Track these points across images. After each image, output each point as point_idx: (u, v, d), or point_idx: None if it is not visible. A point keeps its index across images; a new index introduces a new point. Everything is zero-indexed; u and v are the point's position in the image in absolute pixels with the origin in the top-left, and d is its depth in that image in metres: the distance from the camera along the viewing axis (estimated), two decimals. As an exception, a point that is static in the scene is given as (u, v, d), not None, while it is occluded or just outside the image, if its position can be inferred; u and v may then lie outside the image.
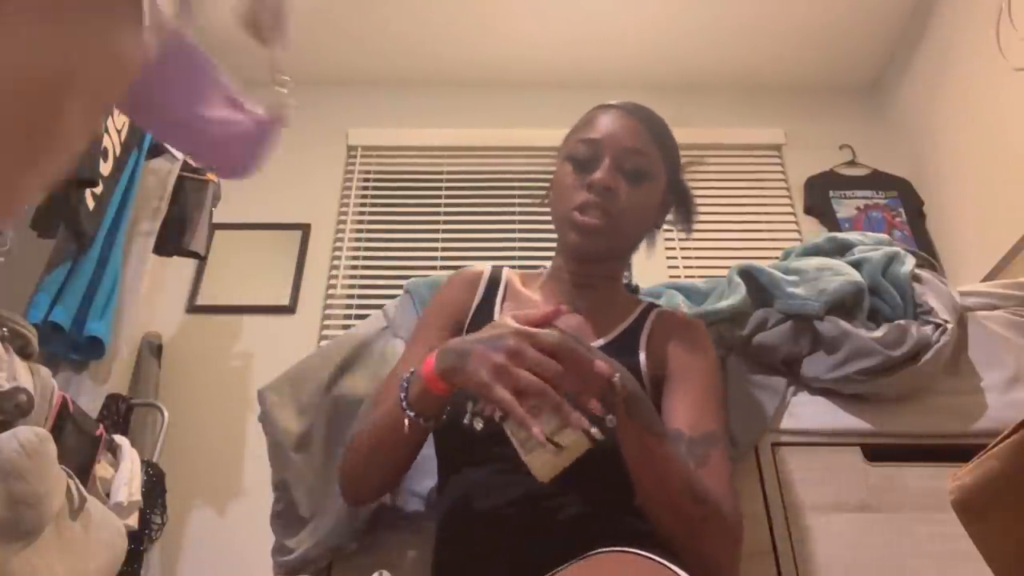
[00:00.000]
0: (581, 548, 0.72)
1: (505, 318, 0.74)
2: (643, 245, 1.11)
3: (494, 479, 0.81)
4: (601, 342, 0.96)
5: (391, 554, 1.05)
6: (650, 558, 0.68)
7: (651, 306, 1.05)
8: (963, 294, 1.31)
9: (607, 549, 0.70)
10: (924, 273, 1.32)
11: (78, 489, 1.23)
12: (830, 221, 2.86)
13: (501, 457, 0.79)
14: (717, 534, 0.77)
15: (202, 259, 2.42)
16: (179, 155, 2.19)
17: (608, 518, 0.79)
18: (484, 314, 1.01)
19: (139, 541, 1.71)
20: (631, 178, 0.97)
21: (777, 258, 1.50)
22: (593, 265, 1.02)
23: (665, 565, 0.67)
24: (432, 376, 0.74)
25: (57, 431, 1.32)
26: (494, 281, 1.07)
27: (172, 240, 2.19)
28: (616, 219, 0.96)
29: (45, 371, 1.39)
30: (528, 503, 0.78)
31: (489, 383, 0.66)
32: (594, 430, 0.64)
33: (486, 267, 1.10)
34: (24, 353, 1.36)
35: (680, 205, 1.11)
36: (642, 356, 0.94)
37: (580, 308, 1.00)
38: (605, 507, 0.80)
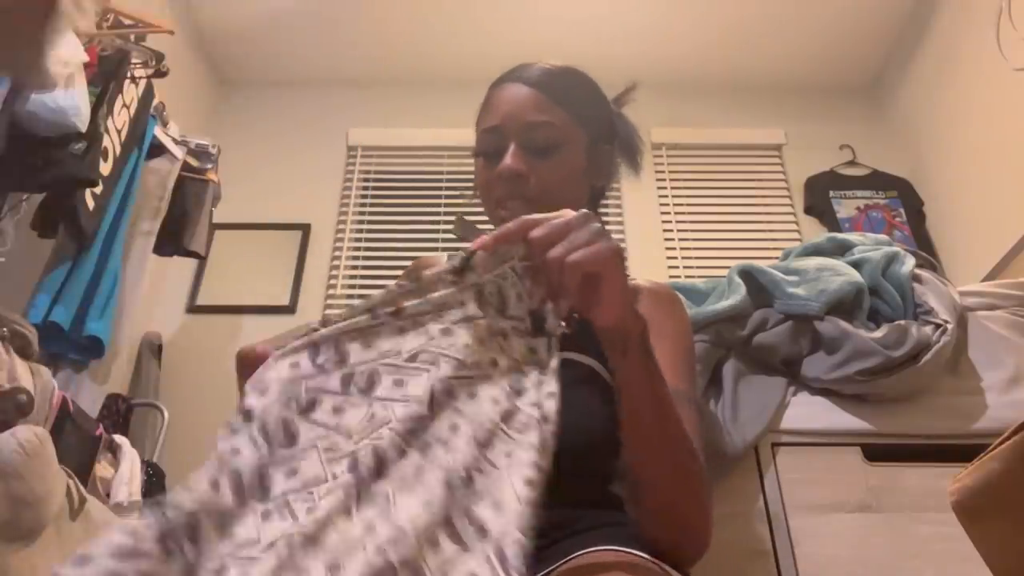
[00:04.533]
0: (559, 546, 0.72)
1: None
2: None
3: None
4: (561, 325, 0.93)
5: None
6: (643, 557, 0.68)
7: None
8: (963, 294, 1.31)
9: (595, 548, 0.70)
10: (924, 273, 1.32)
11: (78, 489, 1.23)
12: (830, 221, 2.86)
13: None
14: (706, 487, 0.74)
15: (202, 259, 2.42)
16: (179, 155, 2.19)
17: (585, 515, 0.78)
18: None
19: (139, 541, 1.71)
20: (540, 154, 0.92)
21: (777, 258, 1.50)
22: None
23: (660, 565, 0.67)
24: None
25: (57, 431, 1.32)
26: None
27: (172, 240, 2.19)
28: (537, 201, 0.89)
29: (45, 371, 1.39)
30: None
31: None
32: None
33: (442, 256, 1.07)
34: (24, 353, 1.36)
35: (621, 149, 1.04)
36: None
37: None
38: (580, 504, 0.78)
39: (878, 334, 1.17)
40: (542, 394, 0.55)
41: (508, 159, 0.91)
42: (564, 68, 0.99)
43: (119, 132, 1.85)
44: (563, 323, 0.60)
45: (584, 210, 0.61)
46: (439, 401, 0.52)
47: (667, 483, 0.71)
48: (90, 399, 1.83)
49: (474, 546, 0.45)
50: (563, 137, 0.93)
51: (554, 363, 0.58)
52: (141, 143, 2.00)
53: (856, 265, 1.31)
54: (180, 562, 0.42)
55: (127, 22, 2.00)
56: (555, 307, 0.59)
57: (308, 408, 0.51)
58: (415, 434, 0.50)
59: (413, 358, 0.54)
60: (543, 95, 0.94)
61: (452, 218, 2.10)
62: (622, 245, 2.81)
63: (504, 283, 0.59)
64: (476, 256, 0.59)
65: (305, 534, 0.43)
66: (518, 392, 0.55)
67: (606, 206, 2.44)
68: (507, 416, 0.53)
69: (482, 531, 0.46)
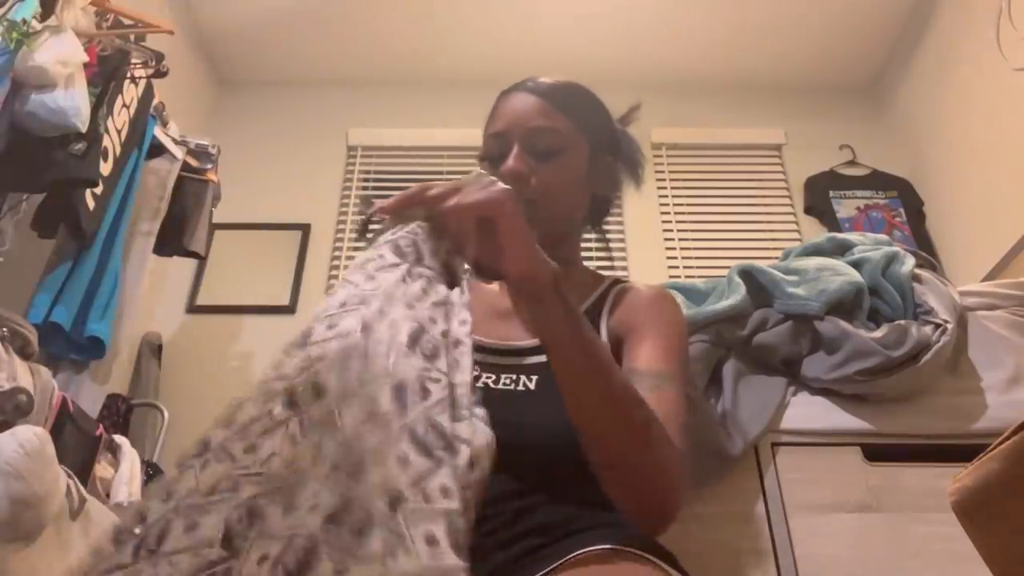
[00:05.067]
0: (558, 545, 0.72)
1: None
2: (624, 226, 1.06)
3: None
4: None
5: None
6: (641, 555, 0.68)
7: (616, 282, 1.02)
8: (963, 294, 1.31)
9: (592, 548, 0.70)
10: (924, 273, 1.32)
11: (78, 489, 1.23)
12: (830, 221, 2.86)
13: None
14: (663, 442, 0.71)
15: (202, 259, 2.42)
16: (179, 155, 2.19)
17: (582, 515, 0.77)
18: None
19: (139, 541, 1.71)
20: (543, 157, 0.95)
21: (777, 258, 1.50)
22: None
23: (656, 562, 0.67)
24: None
25: (57, 431, 1.32)
26: None
27: (172, 240, 2.19)
28: (538, 203, 0.92)
29: (45, 371, 1.39)
30: (501, 502, 0.77)
31: None
32: None
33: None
34: (24, 353, 1.36)
35: (623, 163, 1.06)
36: (603, 330, 0.91)
37: None
38: (577, 504, 0.78)
39: (878, 334, 1.17)
40: (453, 324, 0.56)
41: (511, 161, 0.93)
42: (569, 82, 1.03)
43: (119, 132, 1.85)
44: (469, 267, 0.63)
45: (478, 170, 0.63)
46: (371, 327, 0.52)
47: (613, 433, 0.69)
48: (90, 399, 1.83)
49: (442, 458, 0.45)
50: (566, 143, 0.96)
51: (465, 298, 0.59)
52: (141, 143, 2.00)
53: (856, 265, 1.31)
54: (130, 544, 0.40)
55: (127, 22, 2.00)
56: (461, 258, 0.63)
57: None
58: (351, 356, 0.50)
59: (342, 305, 0.56)
60: (548, 103, 0.98)
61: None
62: (622, 245, 2.82)
63: (416, 238, 0.62)
64: (384, 223, 0.63)
65: (248, 473, 0.43)
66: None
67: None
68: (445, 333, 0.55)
69: (444, 439, 0.46)
